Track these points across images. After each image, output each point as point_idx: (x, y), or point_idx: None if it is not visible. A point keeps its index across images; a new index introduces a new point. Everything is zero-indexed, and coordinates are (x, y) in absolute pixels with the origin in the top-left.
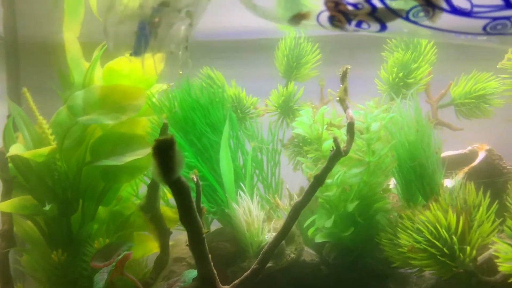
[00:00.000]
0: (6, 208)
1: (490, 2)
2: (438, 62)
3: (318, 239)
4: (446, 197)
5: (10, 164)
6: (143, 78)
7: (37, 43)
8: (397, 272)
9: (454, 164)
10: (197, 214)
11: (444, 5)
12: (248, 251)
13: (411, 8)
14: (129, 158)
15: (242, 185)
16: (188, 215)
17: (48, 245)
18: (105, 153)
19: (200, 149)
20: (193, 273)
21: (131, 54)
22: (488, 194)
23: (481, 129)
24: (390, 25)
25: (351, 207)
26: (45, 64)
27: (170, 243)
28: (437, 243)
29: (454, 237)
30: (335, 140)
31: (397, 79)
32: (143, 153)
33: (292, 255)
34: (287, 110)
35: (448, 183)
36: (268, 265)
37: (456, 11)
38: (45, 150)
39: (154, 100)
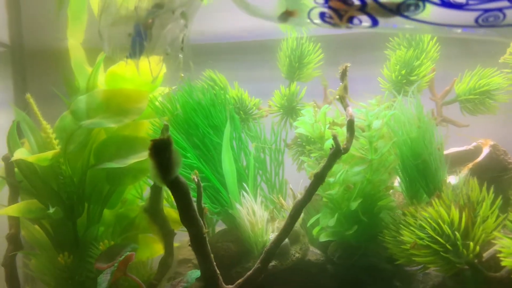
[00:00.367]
0: (13, 212)
1: None
2: (442, 58)
3: (322, 238)
4: (449, 193)
5: (16, 169)
6: (146, 81)
7: (43, 50)
8: (403, 270)
9: (459, 160)
10: (197, 214)
11: None
12: (252, 251)
13: (402, 2)
14: (132, 160)
15: (245, 185)
16: (188, 214)
17: (55, 248)
18: (109, 156)
19: (203, 151)
20: (197, 273)
21: (127, 57)
22: (492, 189)
23: (488, 124)
24: (382, 20)
25: (354, 205)
26: (52, 71)
27: (176, 244)
28: (440, 239)
29: (457, 233)
30: (334, 137)
31: (399, 77)
32: (146, 155)
33: (297, 255)
34: (290, 111)
35: (452, 179)
36: (273, 264)
37: (446, 3)
38: (49, 154)
39: (156, 103)
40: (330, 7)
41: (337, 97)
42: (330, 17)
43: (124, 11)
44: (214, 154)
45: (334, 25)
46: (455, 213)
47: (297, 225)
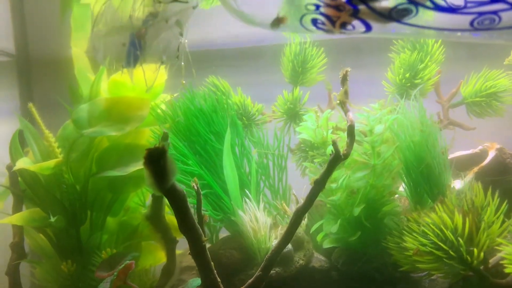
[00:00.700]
0: (17, 221)
1: None
2: (448, 60)
3: (326, 244)
4: (452, 198)
5: (19, 178)
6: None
7: (48, 59)
8: (408, 276)
9: (466, 164)
10: (195, 221)
11: (428, 3)
12: (255, 258)
13: (394, 7)
14: (133, 168)
15: (247, 192)
16: (186, 222)
17: (58, 256)
18: (110, 164)
19: (205, 158)
20: (197, 281)
21: (123, 66)
22: (497, 194)
23: (496, 127)
24: (378, 25)
25: (357, 211)
26: (57, 79)
27: (179, 252)
28: (443, 245)
29: (460, 239)
30: (334, 143)
31: (404, 80)
32: None
33: (301, 262)
34: (293, 116)
35: (458, 184)
36: (277, 271)
37: (440, 8)
38: (51, 163)
39: (158, 110)
40: (322, 13)
41: (338, 102)
42: (323, 23)
43: (118, 21)
44: (216, 160)
45: (328, 31)
46: (458, 218)
47: (301, 231)
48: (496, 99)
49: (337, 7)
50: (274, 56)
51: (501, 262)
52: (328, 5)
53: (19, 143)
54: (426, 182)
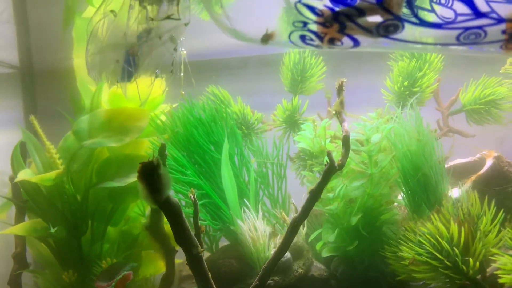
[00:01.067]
0: (19, 231)
1: (461, 11)
2: (447, 68)
3: (325, 253)
4: (449, 208)
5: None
6: (149, 100)
7: (51, 70)
8: (408, 285)
9: (464, 172)
10: (191, 232)
11: (414, 19)
12: (255, 267)
13: (380, 23)
14: (133, 179)
15: (246, 201)
16: (181, 233)
17: (60, 266)
18: (110, 175)
19: (204, 167)
20: None
21: (118, 81)
22: (493, 203)
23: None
24: (363, 40)
25: (354, 220)
26: (60, 90)
27: (179, 261)
28: (438, 255)
29: (456, 248)
30: (328, 154)
31: (402, 88)
32: None
33: (300, 270)
34: (292, 124)
35: (455, 192)
36: (276, 280)
37: (425, 23)
38: (52, 174)
39: (158, 121)
40: (309, 30)
41: (334, 112)
42: (311, 39)
43: (112, 39)
44: (215, 170)
45: (317, 46)
46: (454, 228)
47: (301, 240)
48: (495, 107)
49: (324, 24)
50: (274, 65)
51: (495, 272)
52: (315, 22)
53: (22, 154)
54: (424, 191)
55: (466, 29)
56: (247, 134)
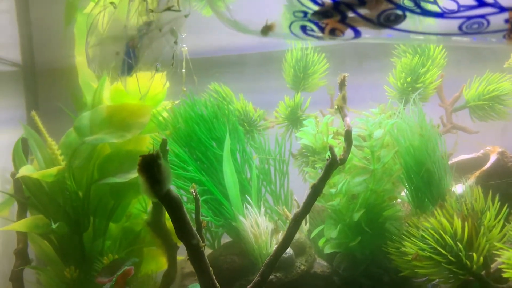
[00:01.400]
0: (21, 227)
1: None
2: (451, 64)
3: (327, 249)
4: (452, 203)
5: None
6: (150, 96)
7: (54, 68)
8: (411, 281)
9: (468, 168)
10: (192, 227)
11: (415, 8)
12: (257, 264)
13: (381, 13)
14: (134, 175)
15: (248, 198)
16: (182, 228)
17: (62, 262)
18: (112, 171)
19: (206, 164)
20: (197, 287)
21: (118, 75)
22: (497, 198)
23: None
24: (364, 31)
25: (357, 216)
26: (62, 88)
27: (181, 258)
28: (442, 250)
29: (459, 244)
30: (330, 149)
31: (405, 84)
32: None
33: (303, 267)
34: (295, 121)
35: (459, 188)
36: (278, 276)
37: (427, 12)
38: (53, 170)
39: (159, 117)
40: (310, 20)
41: (336, 107)
42: (312, 30)
43: (112, 31)
44: (217, 166)
45: (318, 37)
46: (457, 223)
47: (303, 236)
48: (499, 102)
49: (325, 14)
50: (277, 62)
51: (499, 267)
52: (316, 12)
53: (24, 150)
54: (427, 186)
55: (469, 18)
56: (249, 131)
